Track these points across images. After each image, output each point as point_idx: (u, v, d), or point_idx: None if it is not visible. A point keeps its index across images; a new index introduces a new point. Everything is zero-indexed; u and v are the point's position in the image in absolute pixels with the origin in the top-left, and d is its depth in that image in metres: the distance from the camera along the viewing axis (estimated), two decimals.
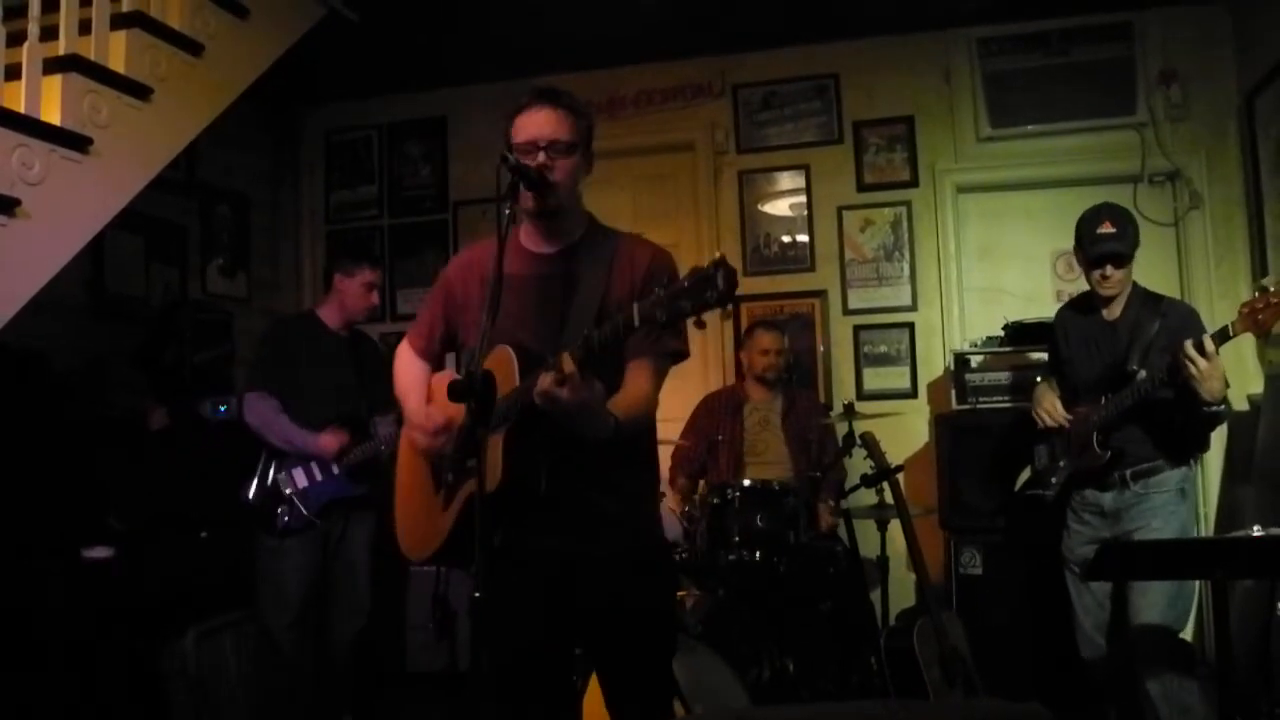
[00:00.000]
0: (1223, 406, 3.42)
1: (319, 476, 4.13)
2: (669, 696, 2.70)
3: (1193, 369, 3.24)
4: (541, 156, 2.43)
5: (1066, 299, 4.15)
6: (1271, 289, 3.14)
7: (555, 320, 2.47)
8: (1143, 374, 3.50)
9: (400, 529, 2.77)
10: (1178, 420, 3.51)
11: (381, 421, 4.25)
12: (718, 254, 2.02)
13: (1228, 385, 3.41)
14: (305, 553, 4.11)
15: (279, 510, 4.07)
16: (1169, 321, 3.58)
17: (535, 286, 2.53)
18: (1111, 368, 3.65)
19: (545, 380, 2.17)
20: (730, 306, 2.01)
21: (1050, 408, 3.80)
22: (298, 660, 4.12)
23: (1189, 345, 3.25)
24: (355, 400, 4.24)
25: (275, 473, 4.13)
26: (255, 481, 4.13)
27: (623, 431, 2.35)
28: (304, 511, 4.07)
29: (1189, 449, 3.64)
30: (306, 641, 4.16)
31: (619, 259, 2.53)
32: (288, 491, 4.09)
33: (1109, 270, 3.63)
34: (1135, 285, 3.74)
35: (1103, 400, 3.62)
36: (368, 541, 4.29)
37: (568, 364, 2.15)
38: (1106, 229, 3.63)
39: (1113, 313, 3.72)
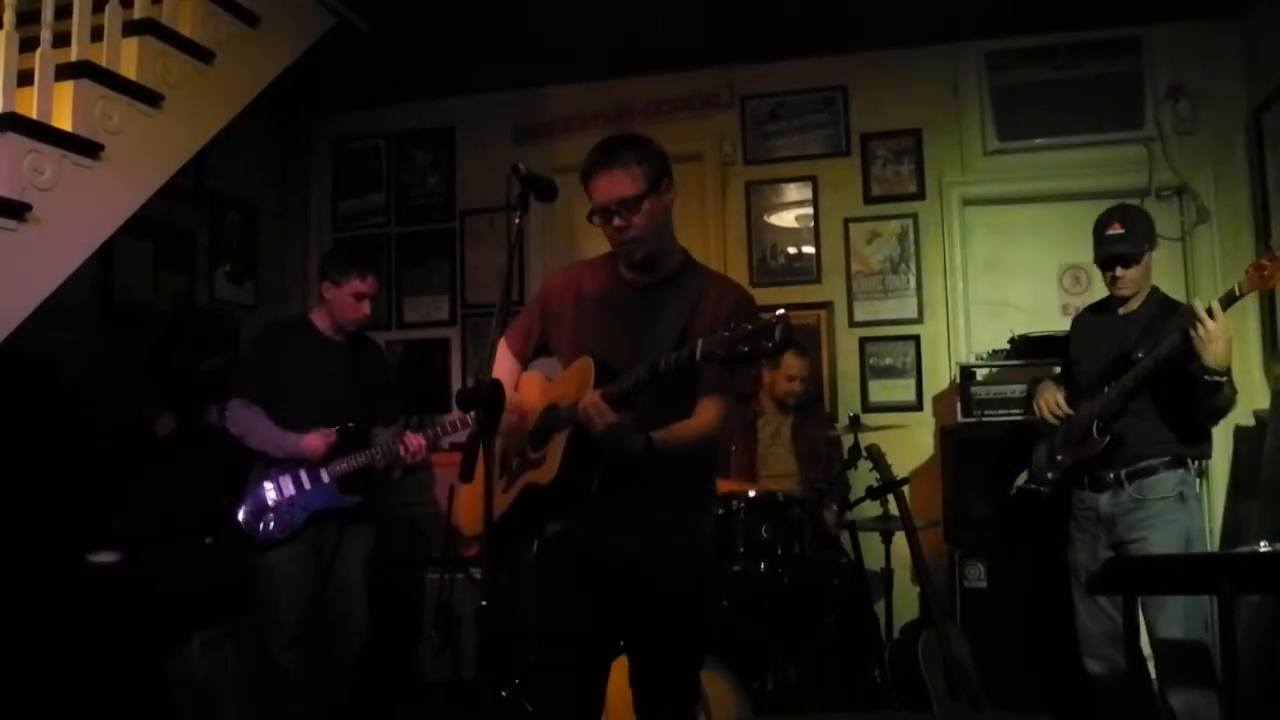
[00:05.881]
0: (1225, 378, 3.31)
1: (307, 485, 4.00)
2: (694, 700, 2.77)
3: (1200, 330, 3.20)
4: (617, 220, 2.58)
5: (1073, 313, 4.14)
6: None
7: (635, 342, 2.58)
8: (1146, 362, 3.45)
9: (460, 503, 2.95)
10: (1180, 405, 3.45)
11: (383, 432, 4.18)
12: (782, 310, 2.18)
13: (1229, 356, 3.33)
14: (296, 568, 3.98)
15: (262, 520, 3.94)
16: (1182, 322, 3.45)
17: (623, 309, 2.68)
18: (1117, 359, 3.60)
19: (585, 400, 2.36)
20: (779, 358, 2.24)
21: (1050, 400, 3.74)
22: (299, 682, 3.99)
23: (1197, 305, 3.24)
24: (351, 410, 4.10)
25: (262, 480, 3.99)
26: (243, 493, 4.01)
27: (658, 454, 2.47)
28: (288, 520, 3.94)
29: (1189, 441, 3.55)
30: (308, 661, 4.03)
31: (706, 297, 2.66)
32: (273, 500, 3.96)
33: (1118, 270, 3.61)
34: (1155, 289, 3.70)
35: (1105, 389, 3.56)
36: (364, 558, 4.16)
37: (593, 395, 2.37)
38: (1114, 230, 3.60)
39: (1129, 308, 3.68)
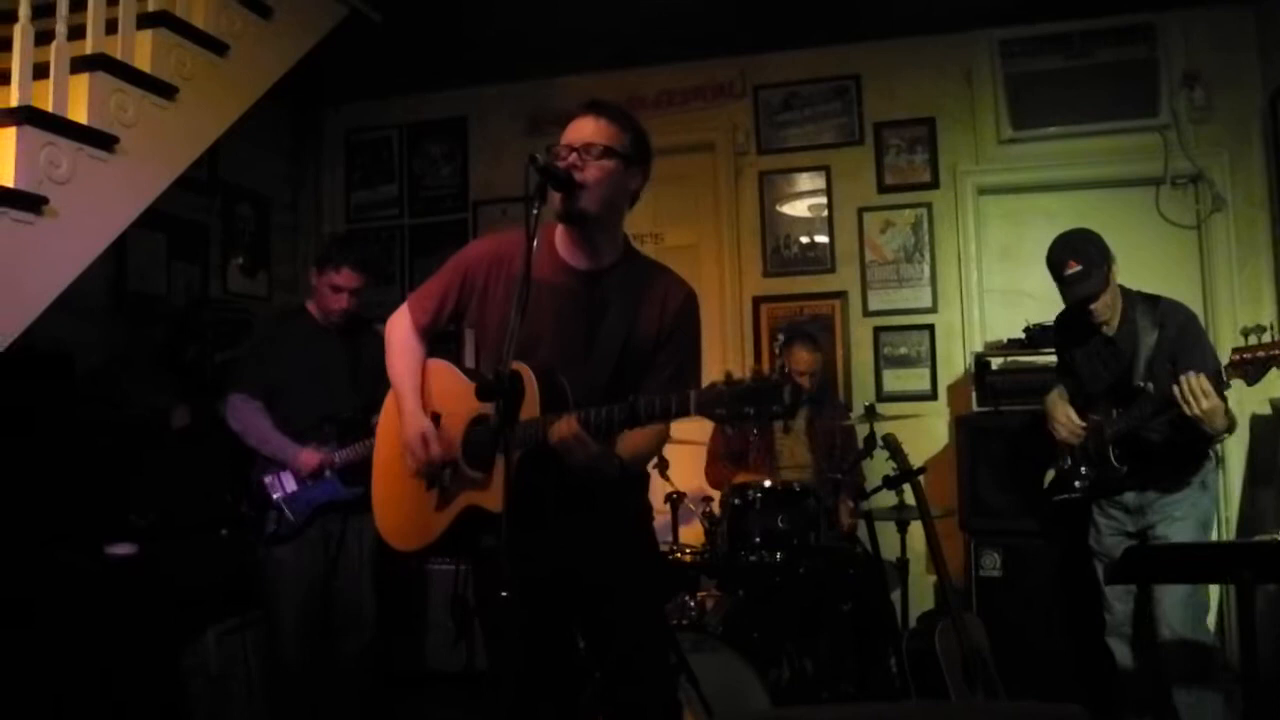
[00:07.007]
0: (1230, 432, 3.49)
1: (309, 479, 3.95)
2: (672, 708, 2.69)
3: (1195, 410, 3.26)
4: (573, 157, 2.45)
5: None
6: (1259, 344, 3.17)
7: (580, 346, 2.49)
8: (1150, 387, 3.49)
9: (383, 516, 2.73)
10: (1183, 439, 3.51)
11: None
12: (783, 366, 2.04)
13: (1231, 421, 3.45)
14: (302, 563, 3.93)
15: (267, 516, 3.91)
16: (1168, 331, 3.56)
17: (563, 302, 2.53)
18: (1118, 382, 3.64)
19: (562, 429, 2.24)
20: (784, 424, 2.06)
21: (1065, 420, 3.78)
22: (309, 677, 3.96)
23: (1184, 386, 3.26)
24: (349, 399, 4.02)
25: (263, 476, 3.94)
26: (246, 488, 3.97)
27: (628, 471, 2.43)
28: (291, 517, 3.90)
29: (1203, 441, 3.60)
30: (316, 656, 3.99)
31: (651, 294, 2.56)
32: (275, 495, 3.91)
33: (1090, 306, 3.60)
34: (1126, 292, 3.69)
35: (1114, 414, 3.62)
36: (368, 550, 4.07)
37: (572, 424, 2.23)
38: (1072, 269, 3.56)
39: (1111, 327, 3.68)
